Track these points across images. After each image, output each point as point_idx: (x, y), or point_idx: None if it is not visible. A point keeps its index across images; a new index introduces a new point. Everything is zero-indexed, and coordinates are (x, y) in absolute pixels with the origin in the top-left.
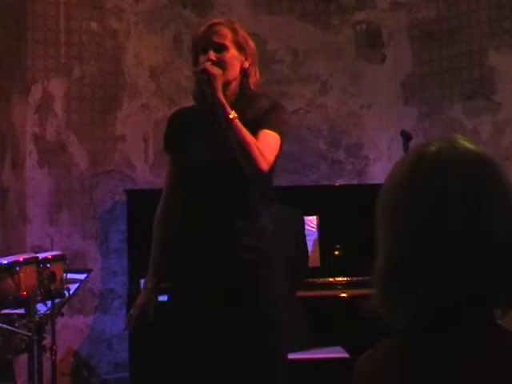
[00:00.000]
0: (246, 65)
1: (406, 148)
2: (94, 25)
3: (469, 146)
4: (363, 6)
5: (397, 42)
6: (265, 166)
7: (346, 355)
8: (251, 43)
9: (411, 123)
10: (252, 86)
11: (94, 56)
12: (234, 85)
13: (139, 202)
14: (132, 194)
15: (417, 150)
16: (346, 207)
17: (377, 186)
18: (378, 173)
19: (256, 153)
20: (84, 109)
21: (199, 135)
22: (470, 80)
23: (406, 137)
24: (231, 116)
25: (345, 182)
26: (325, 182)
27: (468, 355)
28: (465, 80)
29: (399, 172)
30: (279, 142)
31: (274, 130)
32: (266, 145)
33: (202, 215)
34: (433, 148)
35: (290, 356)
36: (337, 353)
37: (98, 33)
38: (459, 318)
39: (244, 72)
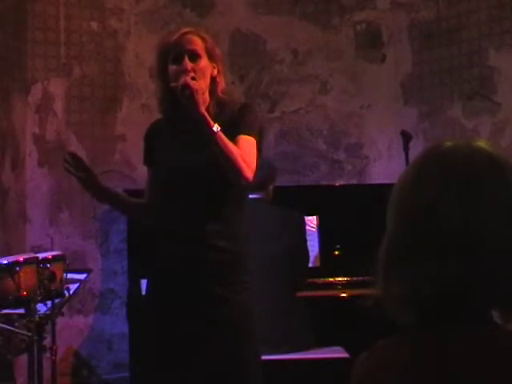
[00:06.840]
0: (215, 73)
1: (405, 148)
2: (94, 25)
3: (484, 146)
4: (363, 6)
5: (397, 42)
6: (250, 174)
7: (345, 355)
8: (218, 51)
9: (411, 123)
10: (220, 94)
11: (94, 56)
12: (206, 94)
13: None
14: (132, 194)
15: (435, 144)
16: (346, 207)
17: (377, 186)
18: (378, 173)
19: (241, 163)
20: (84, 109)
21: (172, 146)
22: (470, 80)
23: (405, 137)
24: (215, 129)
25: (345, 182)
26: (325, 182)
27: (468, 355)
28: (465, 80)
29: (413, 162)
30: (256, 147)
31: (250, 135)
32: (247, 153)
33: (175, 219)
34: (449, 144)
35: (291, 356)
36: (337, 353)
37: (98, 33)
38: (459, 319)
39: (213, 80)
